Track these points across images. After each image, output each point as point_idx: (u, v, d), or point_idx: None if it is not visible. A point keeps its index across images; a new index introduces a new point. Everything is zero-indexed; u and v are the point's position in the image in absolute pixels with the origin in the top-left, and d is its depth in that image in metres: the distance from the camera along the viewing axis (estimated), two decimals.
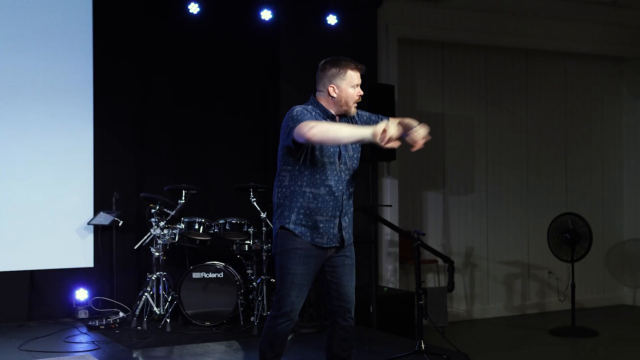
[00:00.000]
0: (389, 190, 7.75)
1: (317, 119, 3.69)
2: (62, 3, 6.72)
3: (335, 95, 3.81)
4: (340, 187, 3.80)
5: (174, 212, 6.39)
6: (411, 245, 5.85)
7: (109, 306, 6.64)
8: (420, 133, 3.68)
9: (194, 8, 6.79)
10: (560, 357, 6.82)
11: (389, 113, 5.55)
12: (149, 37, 7.04)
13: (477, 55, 8.54)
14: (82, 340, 5.74)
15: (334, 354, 3.94)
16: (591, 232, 7.60)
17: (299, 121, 3.61)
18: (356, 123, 3.90)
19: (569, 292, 7.74)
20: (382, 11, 7.72)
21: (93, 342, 5.63)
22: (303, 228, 3.75)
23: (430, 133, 3.72)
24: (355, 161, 3.91)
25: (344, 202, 3.83)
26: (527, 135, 8.93)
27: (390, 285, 7.64)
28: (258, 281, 6.49)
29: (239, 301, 6.29)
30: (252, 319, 6.26)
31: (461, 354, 5.32)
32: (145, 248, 6.54)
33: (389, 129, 3.38)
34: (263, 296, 6.42)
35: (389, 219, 7.46)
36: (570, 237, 7.65)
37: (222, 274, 6.37)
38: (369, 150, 6.94)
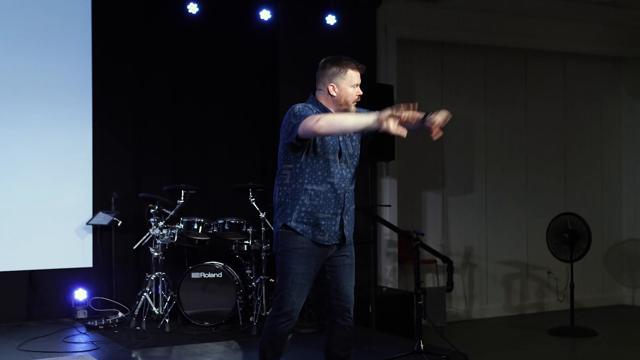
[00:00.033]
0: (388, 190, 7.75)
1: None
2: (61, 3, 6.71)
3: (335, 94, 3.82)
4: (342, 185, 3.81)
5: (173, 212, 6.39)
6: (410, 245, 5.86)
7: (108, 306, 6.64)
8: (438, 117, 3.68)
9: (193, 8, 6.79)
10: (559, 357, 6.82)
11: None
12: (148, 37, 7.04)
13: (476, 56, 8.54)
14: (81, 341, 5.74)
15: (333, 353, 3.95)
16: (590, 232, 7.61)
17: (303, 117, 3.62)
18: None
19: (568, 292, 7.74)
20: (381, 11, 7.72)
21: (92, 342, 5.63)
22: (305, 226, 3.75)
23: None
24: (355, 159, 3.92)
25: (346, 199, 3.84)
26: (526, 135, 8.93)
27: (389, 285, 7.64)
28: (257, 281, 6.48)
29: (238, 301, 6.29)
30: (251, 319, 6.26)
31: (460, 354, 5.32)
32: (144, 248, 6.54)
33: (396, 113, 3.37)
34: (262, 296, 6.42)
35: (388, 219, 7.46)
36: (569, 237, 7.65)
37: (221, 274, 6.36)
38: (368, 150, 6.94)
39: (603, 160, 9.48)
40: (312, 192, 3.75)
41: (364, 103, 4.48)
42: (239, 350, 5.55)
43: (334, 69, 3.82)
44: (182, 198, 6.41)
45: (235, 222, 6.52)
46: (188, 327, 6.20)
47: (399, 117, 3.41)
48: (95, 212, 6.73)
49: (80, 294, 6.61)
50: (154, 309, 6.31)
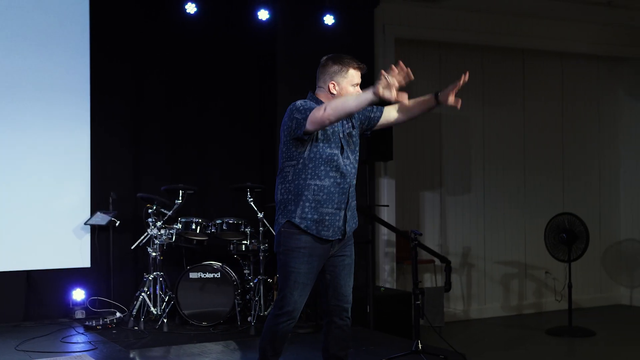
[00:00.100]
0: (386, 190, 7.75)
1: None
2: (59, 3, 6.71)
3: (335, 92, 3.83)
4: (345, 179, 3.82)
5: (171, 212, 6.39)
6: (408, 245, 5.86)
7: (106, 306, 6.64)
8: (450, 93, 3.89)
9: (191, 8, 6.78)
10: (557, 357, 6.82)
11: None
12: (146, 37, 7.04)
13: (474, 55, 8.54)
14: (79, 341, 5.73)
15: (331, 353, 3.95)
16: (588, 232, 7.61)
17: (307, 110, 3.65)
18: (353, 119, 3.94)
19: (566, 292, 7.75)
20: (379, 11, 7.72)
21: (90, 342, 5.62)
22: (309, 222, 3.75)
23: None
24: (356, 154, 3.94)
25: (349, 194, 3.85)
26: (524, 135, 8.93)
27: (387, 285, 7.64)
28: (255, 281, 6.48)
29: (236, 301, 6.29)
30: (249, 319, 6.26)
31: (458, 354, 5.32)
32: (142, 248, 6.54)
33: (386, 80, 3.37)
34: (260, 296, 6.42)
35: (386, 219, 7.46)
36: (567, 237, 7.66)
37: (219, 274, 6.36)
38: (366, 150, 6.94)
39: (601, 160, 9.48)
40: (316, 187, 3.75)
41: None
42: (237, 350, 5.55)
43: (336, 67, 3.84)
44: (180, 198, 6.41)
45: (233, 222, 6.52)
46: (186, 327, 6.20)
47: (393, 85, 3.39)
48: (93, 212, 6.73)
49: (78, 294, 6.61)
50: (152, 309, 6.31)
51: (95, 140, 6.81)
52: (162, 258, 6.41)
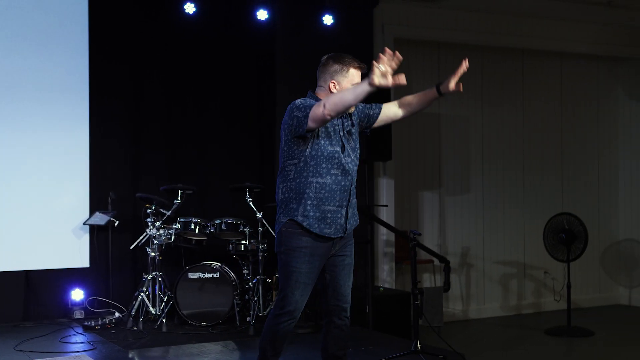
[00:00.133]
0: (385, 190, 7.75)
1: None
2: (58, 3, 6.71)
3: (335, 91, 3.83)
4: (347, 176, 3.83)
5: (170, 212, 6.38)
6: (407, 245, 5.86)
7: (104, 306, 6.64)
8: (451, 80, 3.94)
9: (189, 8, 6.78)
10: (556, 357, 6.83)
11: None
12: (145, 37, 7.04)
13: (474, 55, 8.51)
14: (78, 341, 5.73)
15: (330, 353, 3.95)
16: (587, 232, 7.62)
17: (308, 107, 3.66)
18: (353, 116, 3.95)
19: (565, 292, 7.75)
20: (378, 11, 7.73)
21: (89, 342, 5.62)
22: (311, 219, 3.75)
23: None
24: (357, 152, 3.94)
25: (351, 191, 3.86)
26: (523, 135, 8.94)
27: (386, 285, 7.64)
28: (254, 281, 6.48)
29: (235, 301, 6.29)
30: (248, 319, 6.26)
31: (457, 354, 5.33)
32: (141, 248, 6.54)
33: (379, 69, 3.36)
34: (259, 296, 6.42)
35: (384, 219, 7.46)
36: (565, 237, 7.66)
37: (218, 274, 6.36)
38: (365, 150, 6.94)
39: (600, 160, 9.49)
40: (317, 185, 3.76)
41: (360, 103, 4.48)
42: (236, 350, 5.55)
43: (336, 67, 3.84)
44: (179, 198, 6.41)
45: (232, 222, 6.52)
46: (185, 327, 6.20)
47: (387, 72, 3.39)
48: (92, 212, 6.73)
49: (77, 294, 6.61)
50: (151, 309, 6.31)
51: (94, 140, 6.81)
52: (161, 258, 6.40)
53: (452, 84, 3.99)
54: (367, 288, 6.67)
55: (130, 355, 5.33)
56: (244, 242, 6.53)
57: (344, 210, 3.83)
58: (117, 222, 6.60)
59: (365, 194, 7.09)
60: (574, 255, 7.69)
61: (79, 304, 6.60)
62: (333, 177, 3.78)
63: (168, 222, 6.45)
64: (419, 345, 5.12)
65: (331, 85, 3.84)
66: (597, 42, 9.00)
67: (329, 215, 3.78)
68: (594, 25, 8.92)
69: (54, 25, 6.69)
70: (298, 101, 3.77)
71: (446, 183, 8.49)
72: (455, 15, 8.13)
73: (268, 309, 6.50)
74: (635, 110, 9.46)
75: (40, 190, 6.61)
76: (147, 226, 6.38)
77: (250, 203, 6.51)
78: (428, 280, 8.20)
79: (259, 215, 6.48)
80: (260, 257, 6.48)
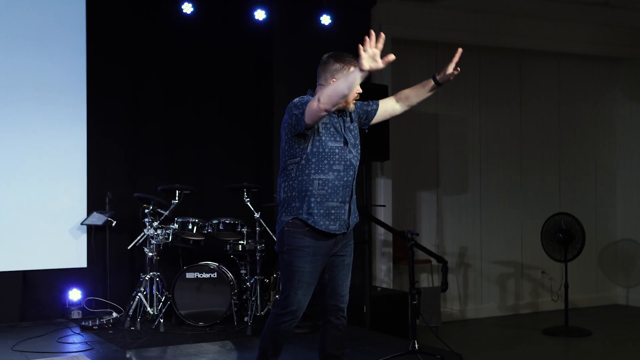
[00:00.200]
0: (383, 190, 7.75)
1: None
2: (55, 3, 6.70)
3: None
4: (349, 172, 3.83)
5: (168, 212, 6.38)
6: (405, 245, 5.86)
7: (102, 306, 6.63)
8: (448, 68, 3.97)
9: (187, 8, 6.78)
10: (554, 357, 6.83)
11: None
12: (143, 37, 7.03)
13: (471, 56, 8.54)
14: (75, 341, 5.72)
15: (327, 353, 3.95)
16: (584, 232, 7.63)
17: (305, 104, 3.66)
18: (352, 113, 3.95)
19: (562, 292, 7.76)
20: (376, 11, 7.73)
21: (86, 342, 5.61)
22: (316, 217, 3.74)
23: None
24: (357, 147, 3.94)
25: (353, 186, 3.86)
26: (520, 136, 8.94)
27: (384, 285, 7.64)
28: (252, 281, 6.48)
29: (233, 301, 6.28)
30: (245, 319, 6.26)
31: (455, 353, 5.33)
32: (139, 248, 6.53)
33: (366, 53, 3.35)
34: (257, 296, 6.42)
35: (382, 219, 7.47)
36: (563, 237, 7.67)
37: (215, 274, 6.36)
38: (363, 150, 6.93)
39: (597, 161, 9.50)
40: (320, 182, 3.75)
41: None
42: (234, 351, 5.55)
43: (337, 65, 3.84)
44: (177, 198, 6.40)
45: (229, 222, 6.52)
46: (182, 327, 6.20)
47: (375, 55, 3.38)
48: (89, 212, 6.72)
49: (75, 294, 6.60)
50: (149, 309, 6.31)
51: (92, 140, 6.81)
52: (158, 258, 6.40)
53: (450, 69, 4.01)
54: (365, 288, 6.68)
55: (127, 356, 5.33)
56: (241, 242, 6.53)
57: (346, 206, 3.84)
58: (115, 222, 6.60)
59: (363, 194, 7.09)
60: (571, 255, 7.70)
61: (77, 304, 6.60)
62: (335, 173, 3.78)
63: (166, 222, 6.45)
64: (416, 345, 5.13)
65: (331, 83, 3.84)
66: (595, 42, 9.00)
67: (333, 211, 3.78)
68: (592, 25, 8.93)
69: (52, 25, 6.68)
70: (296, 100, 3.78)
71: (444, 183, 8.50)
72: (453, 15, 8.14)
73: (266, 309, 6.50)
74: (633, 111, 9.47)
75: (37, 190, 6.60)
76: (145, 226, 6.37)
77: (248, 203, 6.51)
78: (426, 280, 8.21)
79: (256, 215, 6.48)
80: (257, 257, 6.48)
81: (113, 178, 6.90)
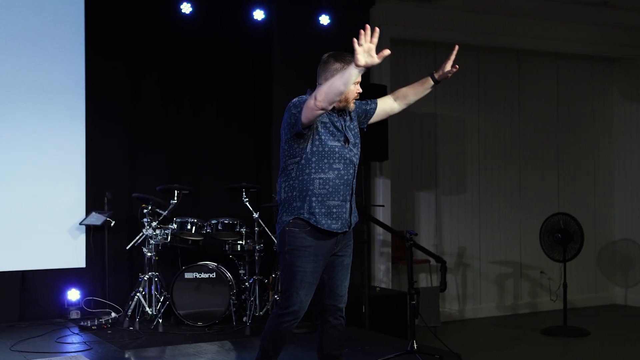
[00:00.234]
0: (382, 191, 7.76)
1: None
2: (54, 3, 6.69)
3: None
4: (349, 170, 3.83)
5: (166, 212, 6.38)
6: (404, 245, 5.86)
7: (101, 306, 6.63)
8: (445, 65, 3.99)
9: (186, 8, 6.78)
10: (552, 357, 6.83)
11: None
12: (141, 36, 7.03)
13: (470, 56, 8.55)
14: (74, 341, 5.72)
15: (325, 353, 3.94)
16: (583, 232, 7.63)
17: (302, 103, 3.66)
18: (352, 112, 3.95)
19: (561, 292, 7.76)
20: (375, 11, 7.73)
21: (85, 342, 5.61)
22: (318, 216, 3.74)
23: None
24: (357, 146, 3.94)
25: (353, 185, 3.86)
26: (519, 136, 8.95)
27: (383, 285, 7.64)
28: (250, 281, 6.48)
29: (232, 301, 6.28)
30: (244, 319, 6.26)
31: (453, 353, 5.33)
32: (138, 248, 6.53)
33: (362, 47, 3.36)
34: (255, 296, 6.42)
35: (381, 219, 7.47)
36: (562, 237, 7.67)
37: (214, 274, 6.36)
38: (362, 151, 6.93)
39: (596, 160, 9.50)
40: (320, 181, 3.75)
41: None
42: (232, 351, 5.54)
43: (337, 65, 3.83)
44: (176, 198, 6.40)
45: (228, 222, 6.52)
46: (181, 327, 6.20)
47: (370, 49, 3.38)
48: (88, 212, 6.72)
49: (73, 295, 6.60)
50: (147, 309, 6.30)
51: (91, 140, 6.80)
52: (157, 258, 6.40)
53: (448, 66, 4.02)
54: (364, 288, 6.68)
55: (126, 356, 5.33)
56: (240, 242, 6.53)
57: (347, 205, 3.84)
58: (114, 222, 6.59)
59: (361, 194, 7.09)
60: (570, 255, 7.70)
61: (75, 304, 6.59)
62: (336, 172, 3.78)
63: (164, 222, 6.45)
64: (415, 345, 5.13)
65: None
66: (594, 43, 9.01)
67: (335, 210, 3.78)
68: (591, 25, 8.93)
69: (51, 25, 6.67)
70: (295, 99, 3.78)
71: (442, 183, 8.50)
72: (451, 15, 8.14)
73: (265, 309, 6.50)
74: (630, 110, 9.48)
75: (36, 190, 6.60)
76: (144, 226, 6.37)
77: (247, 203, 6.51)
78: (424, 280, 8.21)
79: (255, 215, 6.48)
80: (256, 257, 6.48)
81: (112, 178, 6.89)
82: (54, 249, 6.66)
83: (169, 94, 7.15)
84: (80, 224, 6.68)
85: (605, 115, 9.58)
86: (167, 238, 6.39)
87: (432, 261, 7.76)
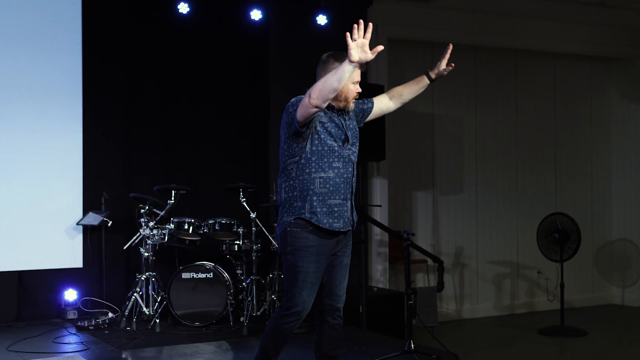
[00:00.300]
0: (379, 190, 7.76)
1: None
2: (50, 3, 6.68)
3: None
4: (348, 169, 3.83)
5: (164, 212, 6.37)
6: (401, 245, 5.86)
7: (98, 307, 6.62)
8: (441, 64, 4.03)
9: (183, 8, 6.78)
10: (550, 357, 6.84)
11: None
12: (139, 37, 7.02)
13: (467, 56, 8.55)
14: (71, 341, 5.72)
15: (323, 352, 3.94)
16: (580, 232, 7.64)
17: (298, 102, 3.66)
18: (350, 112, 3.96)
19: (558, 292, 7.77)
20: (372, 11, 7.72)
21: (82, 342, 5.61)
22: (320, 215, 3.74)
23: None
24: (356, 145, 3.95)
25: (353, 184, 3.87)
26: (516, 135, 8.95)
27: (380, 285, 7.65)
28: (248, 281, 6.48)
29: (229, 301, 6.28)
30: (241, 319, 6.25)
31: (450, 353, 5.33)
32: (135, 248, 6.52)
33: (355, 42, 3.39)
34: (253, 296, 6.42)
35: (378, 219, 7.46)
36: (559, 237, 7.68)
37: (211, 274, 6.36)
38: (359, 150, 6.93)
39: (593, 161, 9.51)
40: (321, 180, 3.75)
41: None
42: (230, 351, 5.54)
43: (337, 65, 3.82)
44: (173, 198, 6.40)
45: (225, 222, 6.51)
46: (178, 328, 6.19)
47: (364, 44, 3.38)
48: (85, 212, 6.71)
49: (70, 295, 6.59)
50: (145, 309, 6.30)
51: (88, 140, 6.80)
52: (154, 258, 6.40)
53: (443, 65, 4.02)
54: (361, 288, 6.67)
55: (123, 356, 5.33)
56: (237, 242, 6.52)
57: (348, 203, 3.84)
58: (111, 222, 6.59)
59: (358, 194, 7.08)
60: (567, 255, 7.71)
61: (72, 304, 6.59)
62: (335, 171, 3.78)
63: (162, 222, 6.44)
64: (412, 345, 5.13)
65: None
66: (591, 42, 9.02)
67: (336, 209, 3.78)
68: (587, 25, 8.94)
69: (47, 25, 6.66)
70: (294, 99, 3.78)
71: (440, 183, 8.50)
72: (449, 15, 8.14)
73: (262, 309, 6.50)
74: (629, 110, 9.48)
75: (33, 190, 6.59)
76: (141, 226, 6.36)
77: (244, 203, 6.50)
78: (422, 280, 8.21)
79: (252, 215, 6.47)
80: (254, 257, 6.48)
81: (109, 178, 6.89)
82: (51, 249, 6.65)
83: (166, 93, 7.15)
84: (78, 224, 6.68)
85: (604, 115, 9.59)
86: (165, 238, 6.39)
87: (430, 261, 7.75)
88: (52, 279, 6.66)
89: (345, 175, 3.81)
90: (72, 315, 6.52)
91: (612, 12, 8.85)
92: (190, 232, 6.47)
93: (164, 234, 6.38)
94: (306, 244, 3.74)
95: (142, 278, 6.32)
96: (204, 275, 6.36)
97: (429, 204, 8.44)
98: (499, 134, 8.85)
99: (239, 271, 6.64)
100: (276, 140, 6.29)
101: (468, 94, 8.65)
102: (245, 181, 6.70)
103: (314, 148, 3.75)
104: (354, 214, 3.91)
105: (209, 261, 6.52)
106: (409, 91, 4.18)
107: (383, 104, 4.18)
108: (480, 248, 8.70)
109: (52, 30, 6.68)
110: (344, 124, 3.86)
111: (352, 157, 3.87)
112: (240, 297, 6.49)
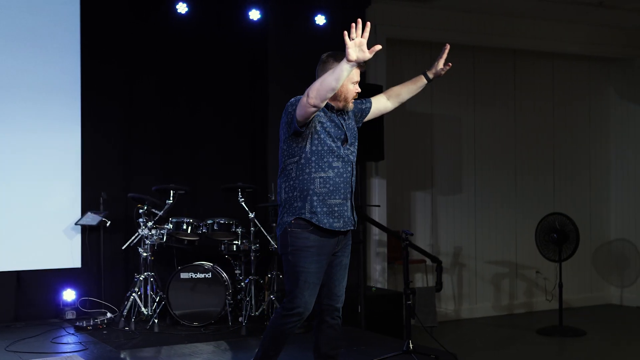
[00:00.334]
0: (377, 191, 7.76)
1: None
2: (49, 3, 6.68)
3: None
4: (348, 168, 3.83)
5: (162, 212, 6.37)
6: (399, 245, 5.86)
7: (96, 307, 6.62)
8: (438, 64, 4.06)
9: (182, 8, 6.78)
10: (548, 357, 6.84)
11: None
12: (137, 37, 7.02)
13: (465, 56, 8.56)
14: (70, 341, 5.71)
15: (322, 353, 3.94)
16: (578, 232, 7.64)
17: (298, 101, 3.66)
18: (350, 111, 3.96)
19: (557, 292, 7.77)
20: (371, 11, 7.73)
21: (80, 342, 5.60)
22: (320, 215, 3.74)
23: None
24: (355, 144, 3.95)
25: (353, 184, 3.87)
26: (515, 136, 8.96)
27: (379, 285, 7.65)
28: (246, 281, 6.47)
29: (227, 301, 6.28)
30: (240, 319, 6.25)
31: (449, 353, 5.33)
32: (133, 248, 6.52)
33: (353, 41, 3.40)
34: (251, 296, 6.42)
35: (377, 219, 7.46)
36: (557, 237, 7.68)
37: (210, 274, 6.35)
38: (358, 150, 6.93)
39: (591, 161, 9.52)
40: (321, 180, 3.75)
41: None
42: (228, 351, 5.54)
43: (336, 65, 3.82)
44: (171, 198, 6.39)
45: (224, 223, 6.51)
46: (177, 328, 6.19)
47: (362, 44, 3.38)
48: (83, 213, 6.71)
49: (69, 295, 6.59)
50: (143, 309, 6.29)
51: (86, 140, 6.79)
52: (153, 258, 6.39)
53: (440, 64, 4.04)
54: (360, 288, 6.67)
55: (122, 356, 5.32)
56: (236, 242, 6.52)
57: (348, 203, 3.84)
58: (109, 222, 6.59)
59: (357, 194, 7.09)
60: (565, 255, 7.71)
61: (71, 305, 6.58)
62: (335, 170, 3.78)
63: (160, 222, 6.44)
64: (411, 345, 5.12)
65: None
66: (589, 43, 9.02)
67: (336, 208, 3.78)
68: (586, 25, 8.94)
69: (46, 25, 6.66)
70: (293, 99, 3.79)
71: (438, 183, 8.50)
72: (447, 15, 8.15)
73: (260, 309, 6.50)
74: (627, 110, 9.49)
75: (31, 190, 6.58)
76: (139, 226, 6.36)
77: (243, 203, 6.49)
78: (420, 280, 8.21)
79: (251, 215, 6.47)
80: (252, 257, 6.47)
81: (107, 178, 6.89)
82: (49, 249, 6.64)
83: (164, 94, 7.15)
84: (76, 224, 6.67)
85: (602, 115, 9.59)
86: (163, 238, 6.38)
87: (428, 261, 7.75)
88: (50, 279, 6.65)
89: (345, 175, 3.81)
90: (70, 315, 6.52)
91: (611, 13, 8.86)
92: (189, 232, 6.47)
93: (163, 234, 6.37)
94: (307, 244, 3.74)
95: (141, 278, 6.32)
96: (202, 276, 6.36)
97: (428, 204, 8.44)
98: (497, 134, 8.85)
99: (237, 271, 6.64)
100: (275, 141, 6.29)
101: (466, 94, 8.65)
102: (243, 181, 6.70)
103: (314, 148, 3.75)
104: (354, 213, 3.91)
105: (207, 261, 6.52)
106: (406, 91, 4.20)
107: (381, 103, 4.19)
108: (479, 248, 8.70)
109: (51, 31, 6.67)
110: (343, 124, 3.86)
111: (351, 157, 3.87)
112: (238, 297, 6.49)
